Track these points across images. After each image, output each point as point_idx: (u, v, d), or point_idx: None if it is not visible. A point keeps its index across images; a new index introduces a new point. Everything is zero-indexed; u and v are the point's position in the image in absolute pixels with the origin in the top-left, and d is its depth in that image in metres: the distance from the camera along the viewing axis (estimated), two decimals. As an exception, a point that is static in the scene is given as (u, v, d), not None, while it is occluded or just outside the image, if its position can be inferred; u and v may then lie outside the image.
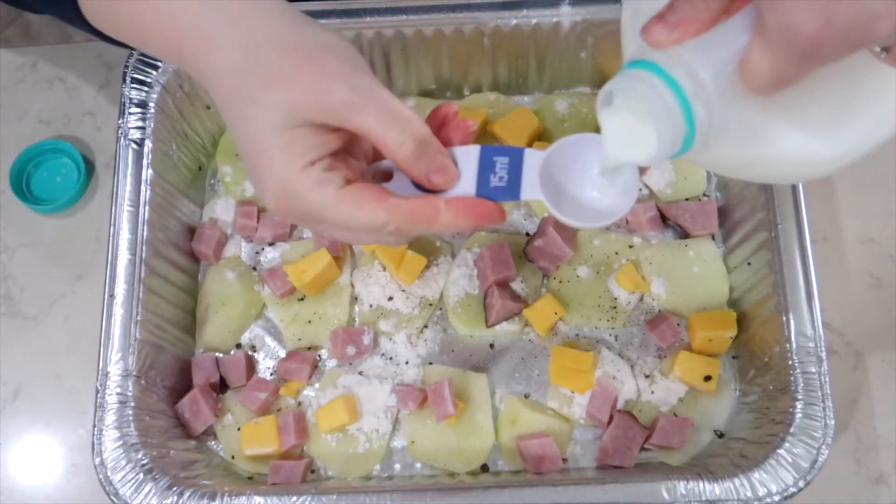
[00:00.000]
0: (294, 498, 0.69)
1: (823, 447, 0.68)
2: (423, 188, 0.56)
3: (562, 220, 0.55)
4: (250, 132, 0.53)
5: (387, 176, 0.58)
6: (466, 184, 0.55)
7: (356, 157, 0.57)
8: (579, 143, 0.56)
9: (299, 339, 0.81)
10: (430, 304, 0.81)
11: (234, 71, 0.53)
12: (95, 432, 0.71)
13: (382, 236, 0.56)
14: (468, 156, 0.56)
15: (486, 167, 0.55)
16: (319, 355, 0.81)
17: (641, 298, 0.81)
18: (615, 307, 0.80)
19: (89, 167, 0.88)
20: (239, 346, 0.82)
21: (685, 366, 0.77)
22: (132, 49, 0.78)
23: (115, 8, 0.58)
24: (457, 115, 0.59)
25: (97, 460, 0.71)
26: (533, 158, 0.55)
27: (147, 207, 0.77)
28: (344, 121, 0.52)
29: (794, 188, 0.74)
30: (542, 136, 0.86)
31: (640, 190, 0.84)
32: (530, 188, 0.55)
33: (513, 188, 0.55)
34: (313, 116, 0.52)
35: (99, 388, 0.73)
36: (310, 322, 0.81)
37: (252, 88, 0.52)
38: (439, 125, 0.58)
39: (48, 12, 0.68)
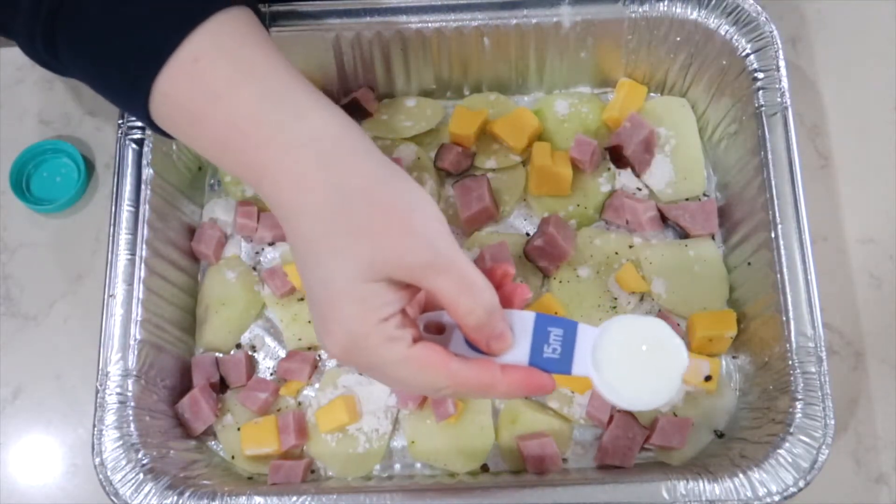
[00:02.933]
0: (294, 498, 0.69)
1: (823, 447, 0.68)
2: (475, 346, 0.57)
3: (610, 400, 0.56)
4: (326, 279, 0.52)
5: (438, 328, 0.59)
6: (520, 352, 0.56)
7: (411, 306, 0.58)
8: (631, 325, 0.57)
9: (299, 339, 0.81)
10: (430, 304, 0.81)
11: (321, 214, 0.52)
12: (95, 432, 0.71)
13: (435, 393, 0.57)
14: (523, 322, 0.57)
15: (540, 336, 0.56)
16: (319, 355, 0.81)
17: (641, 298, 0.81)
18: (615, 307, 0.80)
19: (89, 167, 0.88)
20: (239, 346, 0.82)
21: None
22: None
23: (195, 123, 0.55)
24: (511, 279, 0.60)
25: (97, 460, 0.71)
26: (586, 334, 0.56)
27: (147, 207, 0.77)
28: (421, 280, 0.52)
29: (794, 188, 0.74)
30: (542, 136, 0.86)
31: (640, 189, 0.84)
32: (582, 365, 0.56)
33: (565, 361, 0.56)
34: (393, 273, 0.52)
35: (99, 388, 0.73)
36: (310, 322, 0.81)
37: (337, 236, 0.52)
38: (496, 286, 0.57)
39: (124, 110, 0.69)
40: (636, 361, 0.57)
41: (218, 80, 0.53)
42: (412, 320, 0.56)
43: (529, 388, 0.56)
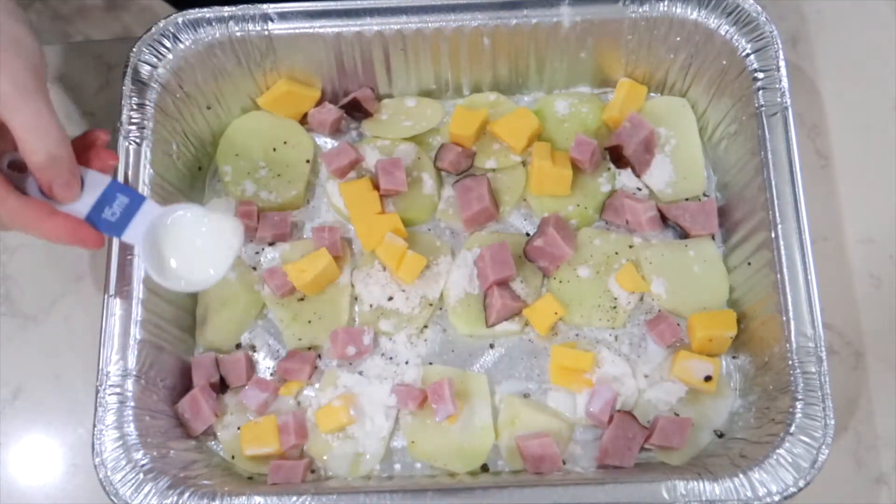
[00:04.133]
0: (294, 498, 0.69)
1: (823, 447, 0.68)
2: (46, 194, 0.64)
3: (150, 273, 0.67)
4: None
5: (20, 169, 0.64)
6: (83, 205, 0.64)
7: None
8: (187, 214, 0.67)
9: (299, 339, 0.81)
10: (431, 304, 0.81)
11: None
12: (95, 432, 0.71)
13: None
14: (96, 182, 0.65)
15: (106, 199, 0.65)
16: (319, 355, 0.81)
17: (641, 298, 0.81)
18: (615, 307, 0.80)
19: (89, 167, 0.88)
20: (239, 346, 0.82)
21: (685, 366, 0.77)
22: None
23: None
24: (104, 144, 0.67)
25: (97, 460, 0.71)
26: (149, 210, 0.66)
27: (147, 207, 0.77)
28: None
29: (794, 188, 0.74)
30: (542, 136, 0.86)
31: (640, 189, 0.84)
32: (133, 233, 0.66)
33: (119, 226, 0.66)
34: None
35: (99, 387, 0.73)
36: (310, 322, 0.81)
37: None
38: (88, 145, 0.65)
39: None
40: (193, 244, 0.67)
41: None
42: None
43: (73, 238, 0.63)
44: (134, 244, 0.66)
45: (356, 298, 0.82)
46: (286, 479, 0.75)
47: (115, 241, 0.76)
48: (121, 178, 0.77)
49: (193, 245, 0.67)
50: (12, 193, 0.61)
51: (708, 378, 0.76)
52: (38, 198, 0.64)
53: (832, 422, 0.69)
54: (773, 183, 0.74)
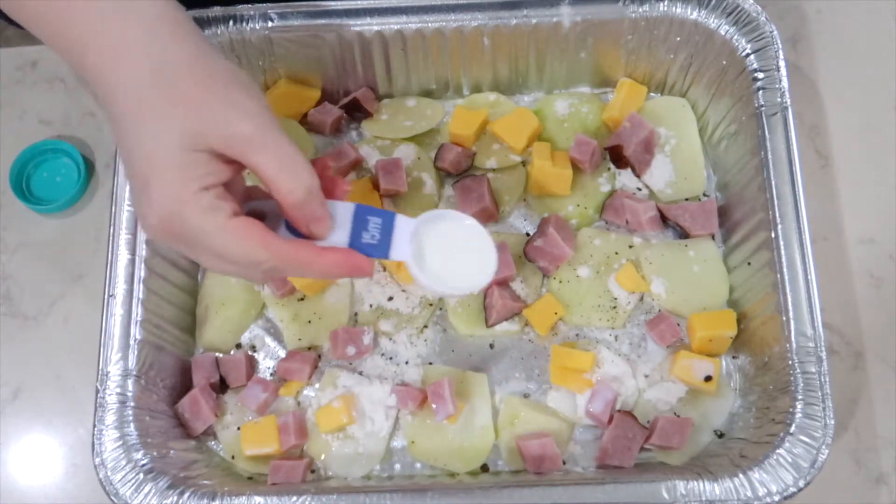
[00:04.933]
0: (294, 498, 0.69)
1: (823, 447, 0.68)
2: (298, 234, 0.60)
3: (423, 283, 0.62)
4: (147, 148, 0.53)
5: (258, 217, 0.61)
6: (340, 236, 0.60)
7: (232, 194, 0.58)
8: (444, 218, 0.64)
9: (299, 339, 0.81)
10: (430, 304, 0.81)
11: (142, 86, 0.53)
12: (95, 432, 0.71)
13: (255, 272, 0.58)
14: (344, 211, 0.61)
15: (359, 224, 0.61)
16: (319, 355, 0.81)
17: (641, 298, 0.81)
18: (615, 307, 0.80)
19: (89, 167, 0.88)
20: (239, 346, 0.82)
21: (685, 366, 0.77)
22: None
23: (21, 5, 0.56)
24: (329, 171, 0.62)
25: (97, 460, 0.71)
26: (404, 224, 0.62)
27: (147, 207, 0.77)
28: (243, 155, 0.54)
29: (794, 188, 0.74)
30: (542, 136, 0.86)
31: (640, 189, 0.84)
32: (399, 250, 0.62)
33: (383, 247, 0.61)
34: (215, 144, 0.53)
35: (99, 388, 0.73)
36: (310, 322, 0.81)
37: (158, 105, 0.53)
38: (318, 175, 0.60)
39: None
40: (451, 251, 0.63)
41: None
42: (234, 198, 0.57)
43: (347, 269, 0.59)
44: (403, 260, 0.62)
45: (356, 298, 0.82)
46: (286, 479, 0.75)
47: (114, 241, 0.76)
48: (121, 178, 0.77)
49: (452, 249, 0.64)
50: (279, 239, 0.57)
51: (708, 378, 0.76)
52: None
53: (832, 422, 0.69)
54: (773, 183, 0.74)
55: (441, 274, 0.63)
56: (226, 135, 0.53)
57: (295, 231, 0.60)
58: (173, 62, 0.53)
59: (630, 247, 0.82)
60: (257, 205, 0.61)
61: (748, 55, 0.78)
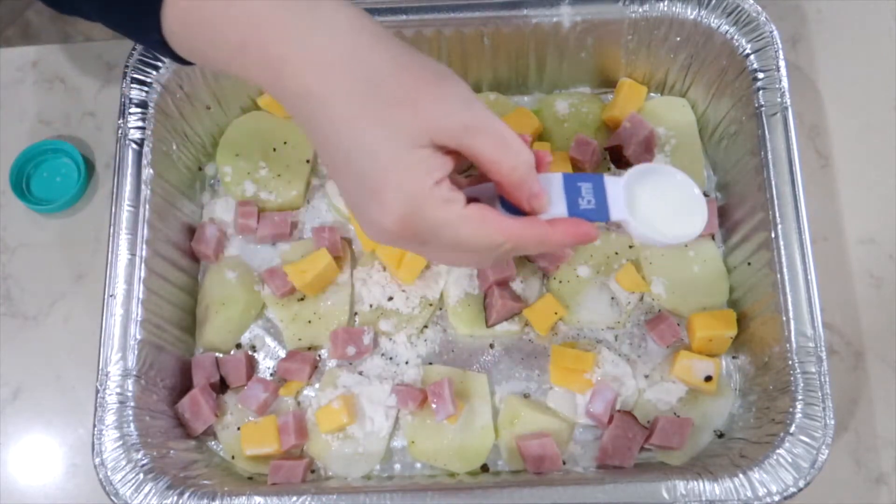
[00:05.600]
0: (294, 498, 0.69)
1: (823, 447, 0.68)
2: (515, 212, 0.59)
3: (648, 236, 0.62)
4: (372, 152, 0.53)
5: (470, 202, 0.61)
6: (559, 207, 0.60)
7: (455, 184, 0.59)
8: (649, 172, 0.63)
9: (299, 339, 0.81)
10: (430, 304, 0.81)
11: (354, 93, 0.53)
12: (95, 432, 0.71)
13: (488, 258, 0.59)
14: (554, 182, 0.60)
15: (572, 192, 0.60)
16: (319, 355, 0.81)
17: (641, 298, 0.81)
18: (615, 307, 0.80)
19: (89, 167, 0.88)
20: (239, 346, 0.82)
21: (685, 366, 0.77)
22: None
23: (211, 29, 0.56)
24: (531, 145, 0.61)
25: (97, 460, 0.71)
26: (612, 184, 0.61)
27: (147, 207, 0.77)
28: (463, 141, 0.54)
29: (794, 188, 0.74)
30: (542, 136, 0.86)
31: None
32: (617, 209, 0.61)
33: (601, 210, 0.60)
34: (437, 138, 0.54)
35: (99, 388, 0.73)
36: (310, 322, 0.81)
37: (376, 110, 0.53)
38: None
39: (135, 40, 0.69)
40: (662, 203, 0.63)
41: None
42: (458, 186, 0.57)
43: (578, 237, 0.59)
44: (622, 219, 0.62)
45: (356, 298, 0.82)
46: (286, 479, 0.75)
47: (114, 241, 0.76)
48: (120, 177, 0.77)
49: (663, 201, 0.63)
50: (513, 220, 0.57)
51: (708, 378, 0.76)
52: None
53: (832, 422, 0.69)
54: (773, 183, 0.74)
55: (657, 225, 0.62)
56: (446, 126, 0.54)
57: (512, 210, 0.60)
58: (379, 68, 0.54)
59: (630, 247, 0.82)
60: (469, 192, 0.61)
61: (748, 55, 0.78)
